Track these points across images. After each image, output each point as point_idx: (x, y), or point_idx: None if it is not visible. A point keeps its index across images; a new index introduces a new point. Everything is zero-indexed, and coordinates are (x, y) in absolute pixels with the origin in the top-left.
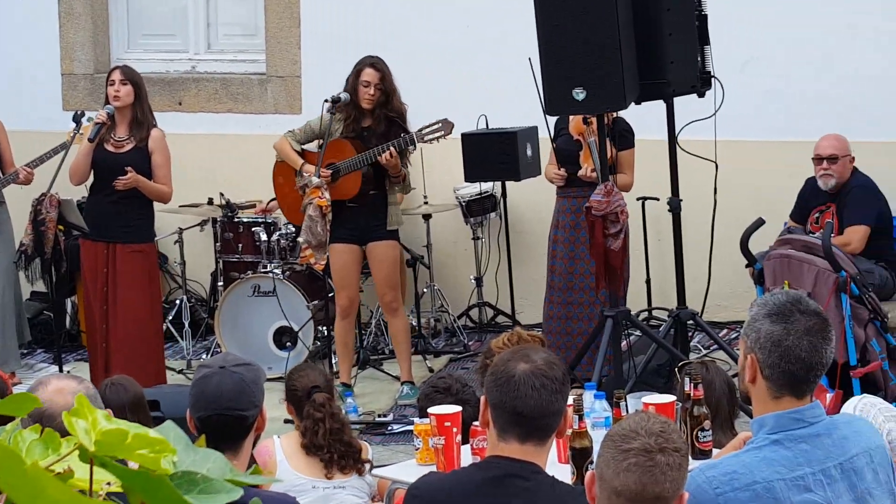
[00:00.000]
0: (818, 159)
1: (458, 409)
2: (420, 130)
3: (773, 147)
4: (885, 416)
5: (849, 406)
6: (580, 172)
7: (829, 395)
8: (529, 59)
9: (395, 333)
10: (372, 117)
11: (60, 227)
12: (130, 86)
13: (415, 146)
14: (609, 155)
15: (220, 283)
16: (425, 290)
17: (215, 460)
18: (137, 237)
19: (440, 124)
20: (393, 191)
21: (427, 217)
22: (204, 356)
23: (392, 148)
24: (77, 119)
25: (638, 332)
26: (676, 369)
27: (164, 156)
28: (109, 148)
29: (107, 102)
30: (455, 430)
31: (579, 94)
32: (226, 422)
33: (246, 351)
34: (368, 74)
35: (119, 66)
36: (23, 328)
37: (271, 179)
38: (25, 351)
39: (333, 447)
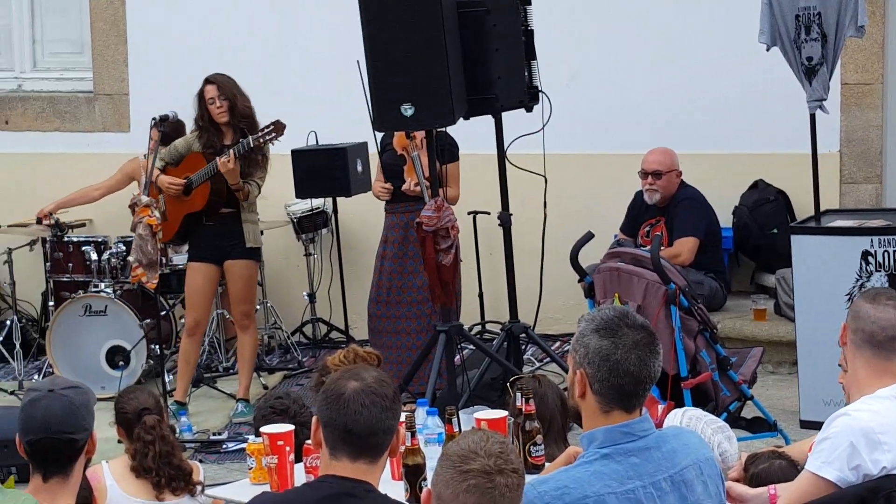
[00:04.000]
0: (643, 174)
1: (291, 427)
2: (252, 135)
3: (601, 160)
4: (713, 429)
5: (673, 419)
6: (403, 186)
7: (660, 407)
8: (358, 61)
9: (243, 350)
10: (230, 133)
11: None
12: None
13: (250, 149)
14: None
15: (52, 303)
16: (258, 307)
17: (24, 500)
18: None
19: (272, 126)
20: (246, 209)
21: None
22: (36, 377)
23: (231, 152)
24: None
25: (471, 347)
26: (508, 384)
27: None
28: None
29: None
30: (288, 448)
31: (407, 110)
32: (55, 445)
33: (78, 371)
34: (209, 91)
35: None
36: None
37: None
38: None
39: (163, 470)
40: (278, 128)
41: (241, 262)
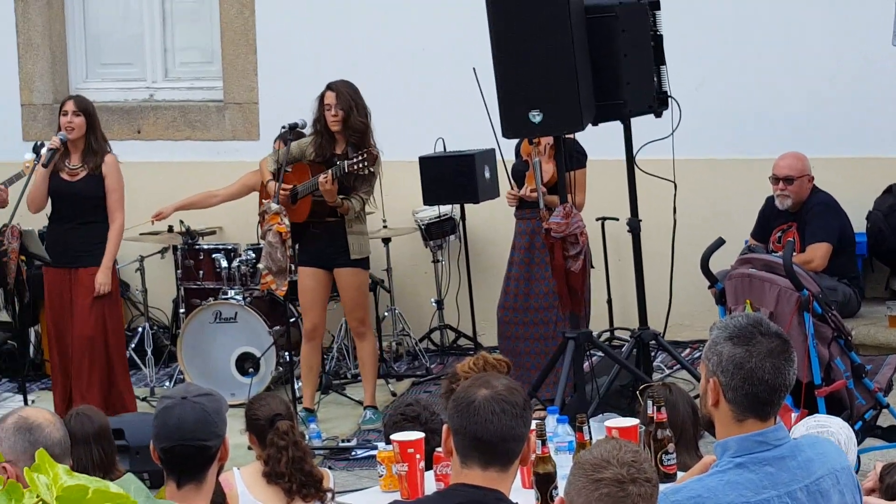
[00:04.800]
0: (775, 179)
1: (421, 435)
2: (347, 160)
3: (731, 165)
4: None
5: (801, 428)
6: (521, 191)
7: (794, 415)
8: (474, 68)
9: (363, 357)
10: (342, 142)
11: (22, 257)
12: (83, 116)
13: (344, 174)
14: (552, 175)
15: (182, 310)
16: (386, 313)
17: None
18: (96, 261)
19: (364, 154)
20: (351, 221)
21: (386, 241)
22: (167, 384)
23: (330, 173)
24: (37, 150)
25: (600, 353)
26: (638, 392)
27: (117, 181)
28: (64, 176)
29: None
30: (418, 456)
31: (536, 117)
32: (188, 452)
33: (208, 377)
34: (327, 97)
35: (72, 97)
36: None
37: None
38: None
39: (295, 476)
40: (370, 157)
41: (347, 270)
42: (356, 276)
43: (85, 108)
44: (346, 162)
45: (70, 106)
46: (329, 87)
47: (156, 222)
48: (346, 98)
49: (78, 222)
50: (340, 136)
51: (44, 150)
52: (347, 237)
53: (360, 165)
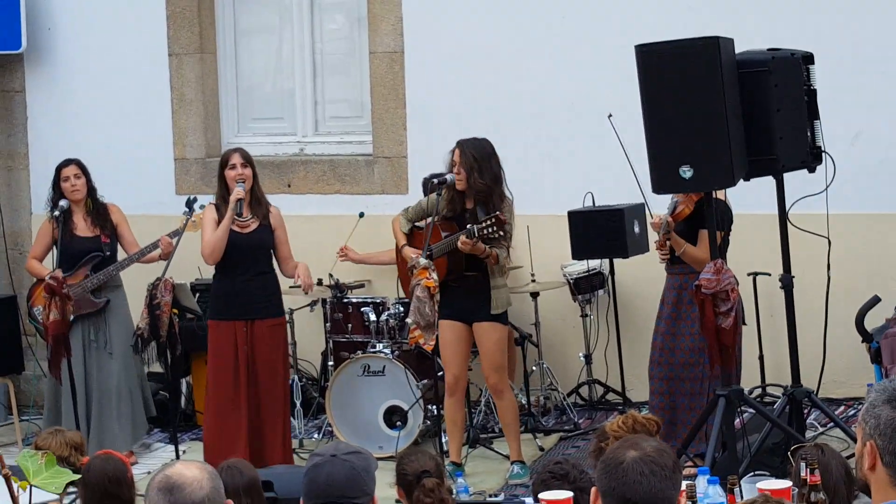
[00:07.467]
0: None
1: (570, 494)
2: (476, 224)
3: (888, 220)
4: None
5: None
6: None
7: None
8: (609, 115)
9: (503, 414)
10: (472, 198)
11: (175, 310)
12: (250, 168)
13: (471, 238)
14: (684, 210)
15: (331, 363)
16: (535, 367)
17: None
18: (275, 311)
19: (493, 219)
20: (494, 274)
21: (535, 295)
22: (315, 436)
23: (464, 236)
24: (189, 205)
25: (752, 411)
26: (790, 453)
27: (286, 231)
28: (235, 228)
29: (222, 184)
30: None
31: (686, 172)
32: None
33: (357, 430)
34: (455, 155)
35: (236, 150)
36: (147, 403)
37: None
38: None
39: None
40: (498, 223)
41: (487, 325)
42: (495, 331)
43: (250, 160)
44: (475, 227)
45: (238, 158)
46: (457, 144)
47: (340, 259)
48: (469, 158)
49: (254, 273)
50: (470, 193)
51: (197, 207)
52: (490, 292)
53: (490, 231)
